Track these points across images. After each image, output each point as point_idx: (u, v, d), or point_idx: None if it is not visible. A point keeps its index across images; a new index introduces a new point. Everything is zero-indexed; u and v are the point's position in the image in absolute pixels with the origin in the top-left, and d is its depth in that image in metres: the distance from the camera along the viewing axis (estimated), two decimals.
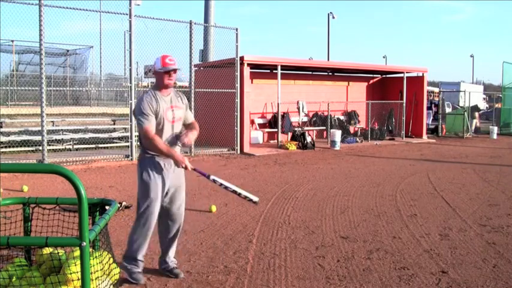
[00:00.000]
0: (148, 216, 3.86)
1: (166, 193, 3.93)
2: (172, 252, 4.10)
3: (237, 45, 12.79)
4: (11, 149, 11.22)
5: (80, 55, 24.91)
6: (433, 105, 24.32)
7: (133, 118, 10.94)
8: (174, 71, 3.81)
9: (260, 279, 4.00)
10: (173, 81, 3.88)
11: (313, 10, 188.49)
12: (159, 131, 3.82)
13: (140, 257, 3.92)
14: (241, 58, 13.03)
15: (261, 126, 15.75)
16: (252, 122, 15.10)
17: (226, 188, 4.05)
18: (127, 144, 11.46)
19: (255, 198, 4.04)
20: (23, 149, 11.56)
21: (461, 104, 23.25)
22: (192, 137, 3.93)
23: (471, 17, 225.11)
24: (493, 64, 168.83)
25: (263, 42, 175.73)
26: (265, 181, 8.79)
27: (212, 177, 4.01)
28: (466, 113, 19.78)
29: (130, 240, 3.93)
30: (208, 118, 12.81)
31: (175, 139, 3.91)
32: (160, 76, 3.81)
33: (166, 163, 3.87)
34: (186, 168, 3.86)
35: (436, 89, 30.71)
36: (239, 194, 4.04)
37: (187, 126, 4.07)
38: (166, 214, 4.01)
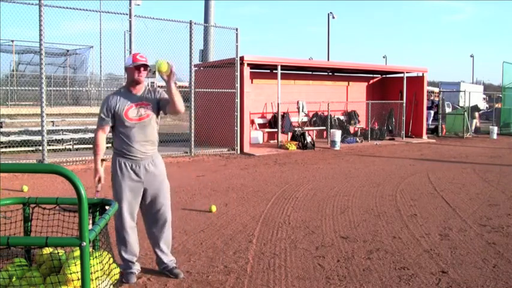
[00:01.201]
0: (116, 218, 3.87)
1: (143, 196, 3.91)
2: (164, 250, 4.02)
3: (237, 45, 12.79)
4: (11, 149, 11.23)
5: (80, 55, 24.89)
6: (433, 104, 24.33)
7: None
8: (144, 67, 3.81)
9: (260, 279, 4.00)
10: (143, 78, 3.86)
11: (313, 10, 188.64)
12: (123, 129, 3.84)
13: (128, 257, 3.92)
14: (241, 58, 13.03)
15: (261, 126, 15.75)
16: (252, 122, 15.10)
17: None
18: None
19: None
20: (23, 149, 11.56)
21: (461, 104, 23.26)
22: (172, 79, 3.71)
23: (471, 17, 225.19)
24: (493, 64, 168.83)
25: (263, 42, 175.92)
26: (265, 181, 8.79)
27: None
28: (466, 113, 19.78)
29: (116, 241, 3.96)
30: (208, 118, 12.82)
31: (143, 139, 3.85)
32: (131, 72, 3.83)
33: (133, 164, 3.86)
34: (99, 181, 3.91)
35: (436, 89, 30.71)
36: None
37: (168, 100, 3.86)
38: (146, 215, 4.02)
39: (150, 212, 3.98)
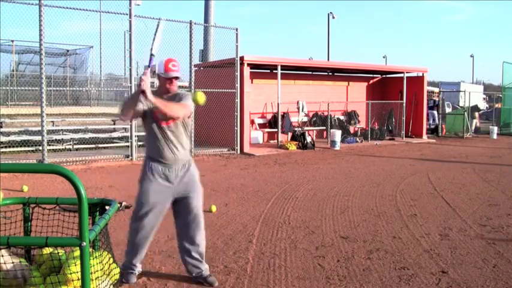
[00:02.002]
0: (136, 222, 3.82)
1: (176, 201, 3.82)
2: (198, 257, 3.91)
3: (237, 45, 12.79)
4: (11, 149, 11.23)
5: (80, 55, 24.91)
6: (435, 104, 24.32)
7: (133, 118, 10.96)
8: (176, 78, 3.70)
9: (260, 279, 4.00)
10: (175, 87, 3.73)
11: (313, 10, 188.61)
12: (153, 132, 3.71)
13: (134, 261, 3.89)
14: (241, 58, 13.03)
15: (261, 126, 15.75)
16: (252, 122, 15.10)
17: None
18: (127, 144, 11.46)
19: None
20: (23, 149, 11.56)
21: (461, 104, 23.25)
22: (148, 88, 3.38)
23: (471, 17, 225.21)
24: (493, 64, 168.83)
25: (263, 42, 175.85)
26: (265, 181, 8.79)
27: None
28: (466, 113, 19.78)
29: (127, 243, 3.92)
30: (208, 118, 12.81)
31: (173, 142, 3.73)
32: (162, 81, 3.72)
33: (164, 168, 3.72)
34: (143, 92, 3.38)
35: (436, 89, 30.70)
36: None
37: None
38: (179, 221, 3.92)
39: (183, 218, 3.87)
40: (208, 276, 3.92)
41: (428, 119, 22.35)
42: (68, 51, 24.95)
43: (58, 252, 2.88)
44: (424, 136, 18.28)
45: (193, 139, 12.11)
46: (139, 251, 3.87)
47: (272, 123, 15.51)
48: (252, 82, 14.34)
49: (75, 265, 2.55)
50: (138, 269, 3.97)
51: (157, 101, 3.46)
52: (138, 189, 3.82)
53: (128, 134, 11.27)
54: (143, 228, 3.80)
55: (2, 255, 2.59)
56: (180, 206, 3.85)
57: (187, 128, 3.84)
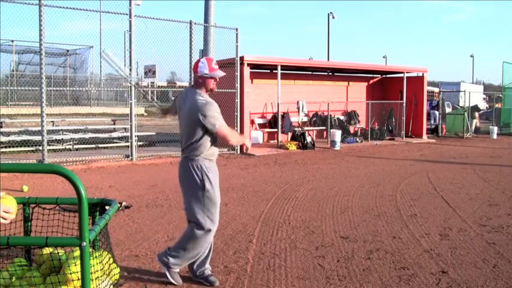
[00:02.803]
0: (210, 225, 3.81)
1: None
2: (209, 255, 3.95)
3: (237, 45, 12.80)
4: (11, 149, 11.23)
5: (80, 55, 24.94)
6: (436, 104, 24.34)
7: (133, 118, 10.98)
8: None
9: (260, 279, 4.00)
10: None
11: (313, 10, 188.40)
12: (213, 133, 3.75)
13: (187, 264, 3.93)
14: (241, 58, 13.04)
15: (261, 126, 15.75)
16: (252, 122, 15.10)
17: None
18: (127, 144, 11.47)
19: None
20: (23, 149, 11.57)
21: (461, 104, 23.26)
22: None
23: (471, 17, 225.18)
24: (493, 64, 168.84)
25: (263, 42, 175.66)
26: (265, 181, 8.79)
27: None
28: (466, 113, 19.78)
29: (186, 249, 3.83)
30: None
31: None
32: (207, 80, 3.78)
33: (215, 166, 3.85)
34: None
35: (436, 89, 30.71)
36: None
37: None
38: None
39: None
40: (209, 276, 3.92)
41: (429, 119, 22.38)
42: (68, 51, 24.97)
43: (58, 252, 2.88)
44: (424, 136, 18.28)
45: None
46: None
47: (272, 123, 15.52)
48: (252, 82, 14.34)
49: (75, 265, 2.55)
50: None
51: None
52: (206, 192, 3.76)
53: (128, 134, 11.27)
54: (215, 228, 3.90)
55: None
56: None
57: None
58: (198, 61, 3.77)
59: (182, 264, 3.87)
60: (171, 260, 3.82)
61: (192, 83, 3.88)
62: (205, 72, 3.73)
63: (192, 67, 3.87)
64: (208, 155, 3.79)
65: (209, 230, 3.77)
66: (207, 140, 3.77)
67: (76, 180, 2.24)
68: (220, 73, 3.78)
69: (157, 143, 13.63)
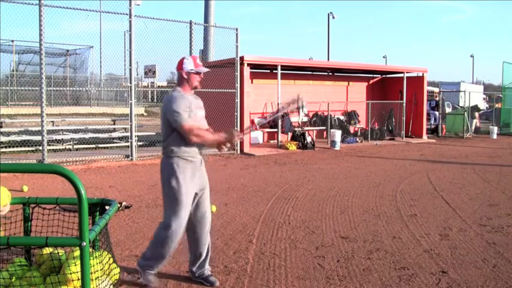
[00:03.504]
0: (176, 223, 3.73)
1: (194, 198, 3.81)
2: (206, 256, 3.93)
3: (237, 45, 12.79)
4: (11, 149, 11.23)
5: (80, 55, 24.94)
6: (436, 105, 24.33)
7: (133, 118, 10.98)
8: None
9: (260, 279, 4.00)
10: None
11: (313, 10, 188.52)
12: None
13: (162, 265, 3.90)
14: (241, 58, 13.03)
15: (261, 126, 15.74)
16: (252, 122, 15.10)
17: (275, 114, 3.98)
18: (127, 144, 11.47)
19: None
20: (23, 149, 11.57)
21: (461, 104, 23.25)
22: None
23: (471, 17, 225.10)
24: (493, 64, 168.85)
25: (263, 42, 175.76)
26: (265, 181, 8.79)
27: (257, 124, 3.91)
28: (466, 113, 19.78)
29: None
30: (208, 118, 12.67)
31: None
32: (192, 77, 3.77)
33: (193, 166, 3.75)
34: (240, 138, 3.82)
35: (436, 89, 30.70)
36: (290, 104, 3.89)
37: None
38: (193, 219, 3.88)
39: (197, 215, 3.85)
40: (209, 276, 3.92)
41: (430, 119, 22.36)
42: (68, 51, 24.97)
43: (58, 252, 2.88)
44: (424, 136, 18.28)
45: None
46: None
47: (272, 123, 15.51)
48: (252, 82, 14.34)
49: (75, 265, 2.55)
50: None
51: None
52: (171, 190, 3.75)
53: (128, 134, 11.27)
54: (183, 226, 3.80)
55: None
56: (198, 203, 3.88)
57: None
58: (183, 59, 3.79)
59: (154, 265, 3.80)
60: (142, 262, 3.81)
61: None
62: (190, 68, 3.74)
63: (176, 66, 3.83)
64: (183, 154, 3.70)
65: (169, 226, 3.68)
66: (177, 138, 3.69)
67: (76, 180, 2.24)
68: (205, 69, 3.79)
69: (157, 143, 13.62)
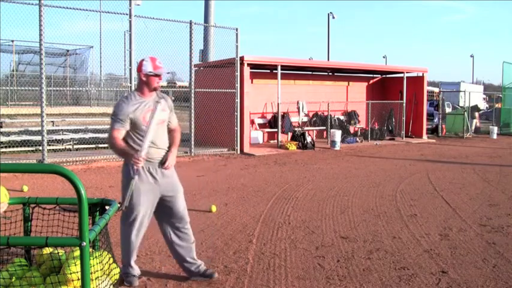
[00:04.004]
0: (129, 223, 3.80)
1: (161, 201, 3.83)
2: (192, 256, 3.95)
3: (237, 45, 12.79)
4: (11, 149, 11.23)
5: (80, 55, 24.91)
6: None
7: None
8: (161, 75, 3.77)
9: (260, 279, 4.00)
10: (159, 84, 3.79)
11: (313, 10, 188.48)
12: (141, 132, 3.70)
13: (132, 263, 3.89)
14: (241, 58, 13.03)
15: (261, 126, 15.75)
16: (252, 122, 15.10)
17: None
18: None
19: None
20: (23, 149, 11.57)
21: (461, 104, 23.25)
22: (172, 161, 3.81)
23: (471, 17, 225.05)
24: (493, 64, 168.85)
25: (263, 42, 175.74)
26: (265, 181, 8.79)
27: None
28: (466, 113, 19.78)
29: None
30: (209, 118, 12.82)
31: (159, 142, 3.78)
32: (150, 79, 3.73)
33: (150, 167, 3.75)
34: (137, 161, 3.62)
35: (436, 89, 30.70)
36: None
37: (170, 133, 3.94)
38: (165, 221, 3.96)
39: (168, 216, 3.89)
40: (206, 270, 3.94)
41: (433, 119, 22.34)
42: (68, 51, 24.96)
43: (58, 252, 2.88)
44: (424, 136, 18.28)
45: (193, 139, 12.12)
46: (135, 250, 3.88)
47: (272, 123, 15.51)
48: (252, 82, 14.34)
49: (75, 265, 2.55)
50: (138, 270, 3.95)
51: (173, 159, 3.85)
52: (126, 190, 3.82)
53: None
54: (139, 226, 3.81)
55: None
56: (167, 205, 3.89)
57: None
58: (142, 60, 3.77)
59: (124, 260, 3.85)
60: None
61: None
62: (149, 70, 3.71)
63: (136, 68, 3.82)
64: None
65: (122, 223, 3.82)
66: (130, 141, 3.75)
67: (76, 180, 2.24)
68: (163, 71, 3.75)
69: None
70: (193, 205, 6.70)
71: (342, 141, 15.26)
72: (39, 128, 10.14)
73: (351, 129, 17.40)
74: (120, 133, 3.69)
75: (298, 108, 15.45)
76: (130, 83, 11.01)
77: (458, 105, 23.82)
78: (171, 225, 3.92)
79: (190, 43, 12.00)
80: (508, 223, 5.90)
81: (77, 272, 2.47)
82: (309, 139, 14.36)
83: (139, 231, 3.82)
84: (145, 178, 3.74)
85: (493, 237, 5.26)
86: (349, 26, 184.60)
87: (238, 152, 12.95)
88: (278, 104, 14.39)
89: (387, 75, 19.44)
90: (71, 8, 10.22)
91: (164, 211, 3.90)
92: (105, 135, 13.07)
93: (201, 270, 3.93)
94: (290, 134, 14.94)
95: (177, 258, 3.98)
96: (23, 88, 18.48)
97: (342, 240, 5.13)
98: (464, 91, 22.33)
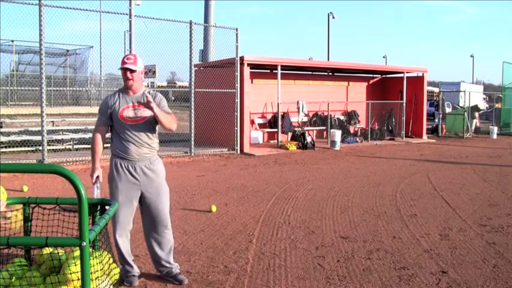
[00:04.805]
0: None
1: (141, 200, 3.82)
2: (164, 256, 3.91)
3: (237, 45, 12.80)
4: (11, 149, 11.23)
5: (80, 55, 24.89)
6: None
7: None
8: (130, 71, 3.69)
9: (260, 279, 4.00)
10: (132, 81, 3.72)
11: (313, 10, 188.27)
12: (119, 129, 3.80)
13: (123, 261, 3.87)
14: (241, 58, 13.03)
15: (261, 126, 15.75)
16: (252, 122, 15.10)
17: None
18: None
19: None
20: (23, 149, 11.57)
21: (461, 104, 23.25)
22: (154, 103, 3.63)
23: (471, 17, 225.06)
24: (493, 64, 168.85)
25: (263, 42, 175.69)
26: (265, 181, 8.79)
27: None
28: (466, 113, 19.78)
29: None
30: (209, 118, 12.82)
31: (139, 140, 3.80)
32: (122, 74, 3.76)
33: (129, 165, 3.79)
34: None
35: (436, 89, 30.70)
36: None
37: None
38: (144, 220, 3.96)
39: (148, 217, 3.88)
40: (178, 274, 3.93)
41: (434, 119, 22.33)
42: (68, 51, 24.94)
43: (58, 252, 2.88)
44: (424, 136, 18.28)
45: (193, 139, 12.12)
46: (123, 248, 3.88)
47: (272, 123, 15.51)
48: (252, 82, 14.34)
49: (75, 265, 2.55)
50: (136, 270, 3.95)
51: (162, 113, 3.68)
52: (109, 187, 3.93)
53: None
54: (118, 223, 3.83)
55: None
56: (146, 204, 3.89)
57: (156, 128, 3.95)
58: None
59: (120, 261, 3.83)
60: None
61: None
62: (119, 66, 3.75)
63: None
64: (118, 152, 3.89)
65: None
66: (113, 137, 3.94)
67: (76, 180, 2.24)
68: (130, 64, 3.69)
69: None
70: (193, 205, 6.70)
71: (342, 141, 15.26)
72: (39, 128, 10.14)
73: (351, 129, 17.40)
74: (100, 132, 3.90)
75: (298, 108, 15.45)
76: None
77: (458, 105, 23.82)
78: (151, 226, 3.90)
79: (190, 43, 12.00)
80: (508, 223, 5.90)
81: (77, 272, 2.47)
82: (309, 139, 14.36)
83: (121, 230, 3.81)
84: (123, 177, 3.79)
85: (493, 237, 5.26)
86: (349, 26, 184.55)
87: (238, 152, 12.95)
88: (278, 104, 14.39)
89: (387, 75, 19.44)
90: (71, 8, 10.22)
91: (144, 211, 3.90)
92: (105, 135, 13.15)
93: (172, 273, 3.92)
94: (290, 134, 14.94)
95: (152, 259, 4.00)
96: (23, 88, 18.47)
97: (342, 240, 5.13)
98: (464, 91, 22.33)
